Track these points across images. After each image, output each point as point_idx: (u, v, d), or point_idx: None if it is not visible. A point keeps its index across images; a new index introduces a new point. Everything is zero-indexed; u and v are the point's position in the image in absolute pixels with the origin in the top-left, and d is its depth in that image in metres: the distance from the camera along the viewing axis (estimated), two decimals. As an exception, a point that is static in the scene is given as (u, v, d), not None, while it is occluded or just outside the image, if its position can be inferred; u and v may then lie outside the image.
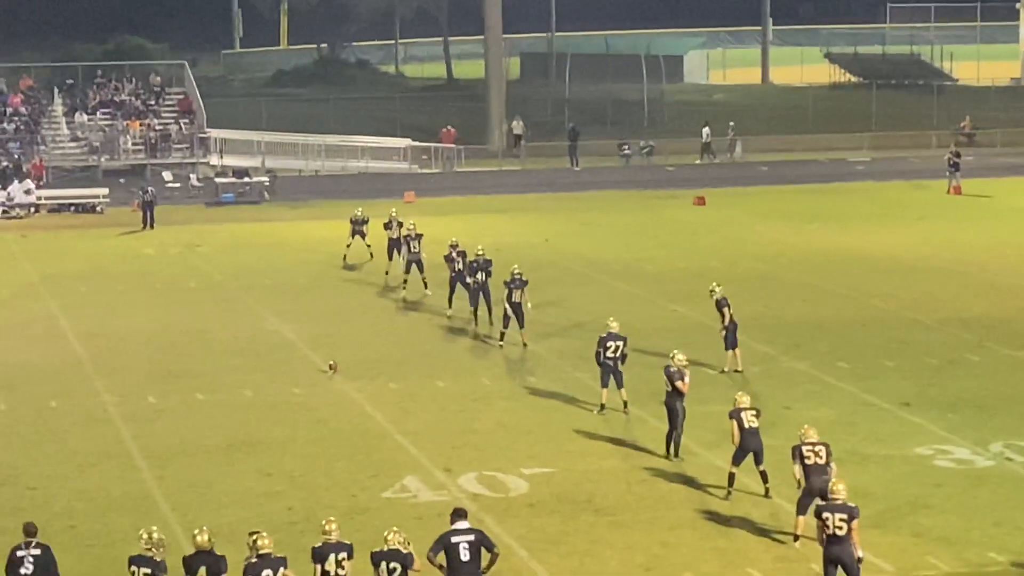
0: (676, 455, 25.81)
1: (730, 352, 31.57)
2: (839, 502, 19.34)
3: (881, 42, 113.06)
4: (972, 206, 56.24)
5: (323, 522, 18.56)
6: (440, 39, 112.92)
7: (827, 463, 21.53)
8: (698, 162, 70.79)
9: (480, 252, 35.93)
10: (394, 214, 42.15)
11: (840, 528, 19.16)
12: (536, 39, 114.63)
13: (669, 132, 77.85)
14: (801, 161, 70.41)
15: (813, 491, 21.48)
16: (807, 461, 21.50)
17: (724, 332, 31.57)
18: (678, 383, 25.64)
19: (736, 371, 31.40)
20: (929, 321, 36.33)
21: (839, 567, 19.18)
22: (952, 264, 43.85)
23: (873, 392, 29.99)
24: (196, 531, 18.27)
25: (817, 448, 21.59)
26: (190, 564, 17.99)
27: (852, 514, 19.23)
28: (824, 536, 19.24)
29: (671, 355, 26.13)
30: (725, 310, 31.49)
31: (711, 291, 32.09)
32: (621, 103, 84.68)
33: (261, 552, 17.81)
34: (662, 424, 26.26)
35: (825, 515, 19.25)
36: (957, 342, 34.24)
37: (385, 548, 18.18)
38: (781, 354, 33.23)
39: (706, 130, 72.03)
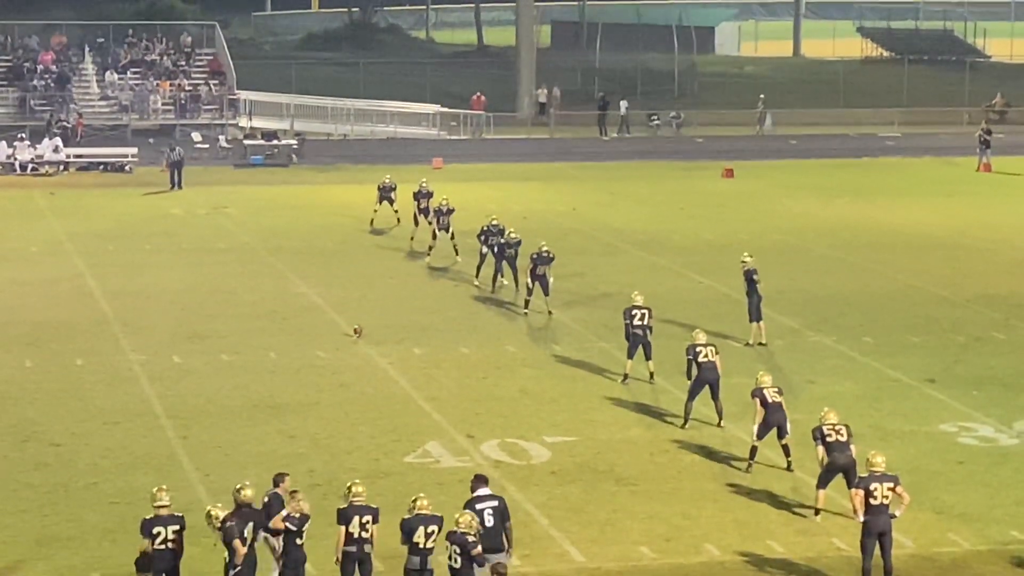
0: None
1: (754, 325, 31.52)
2: (880, 472, 19.43)
3: (914, 17, 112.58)
4: (1002, 184, 56.00)
5: (350, 484, 18.61)
6: (471, 5, 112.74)
7: (848, 442, 21.57)
8: (615, 136, 70.15)
9: (512, 233, 35.93)
10: (424, 183, 42.11)
11: (886, 497, 19.32)
12: (568, 7, 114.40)
13: (699, 104, 77.64)
14: (831, 135, 70.18)
15: (836, 467, 21.54)
16: (828, 439, 21.55)
17: (749, 303, 31.49)
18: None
19: (760, 344, 31.35)
20: (956, 298, 36.22)
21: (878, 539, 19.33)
22: (980, 241, 43.69)
23: (898, 368, 29.93)
24: (240, 486, 18.37)
25: (838, 427, 21.63)
26: (239, 519, 18.07)
27: (896, 481, 19.49)
28: (866, 507, 19.27)
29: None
30: (750, 283, 31.38)
31: (742, 261, 31.98)
32: (651, 73, 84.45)
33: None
34: (683, 396, 26.24)
35: (873, 486, 19.33)
36: (984, 319, 34.14)
37: (418, 514, 18.17)
38: (807, 328, 33.17)
39: (624, 103, 71.60)
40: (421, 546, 18.06)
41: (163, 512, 18.09)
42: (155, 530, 17.97)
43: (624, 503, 22.56)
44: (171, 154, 53.04)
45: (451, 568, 17.82)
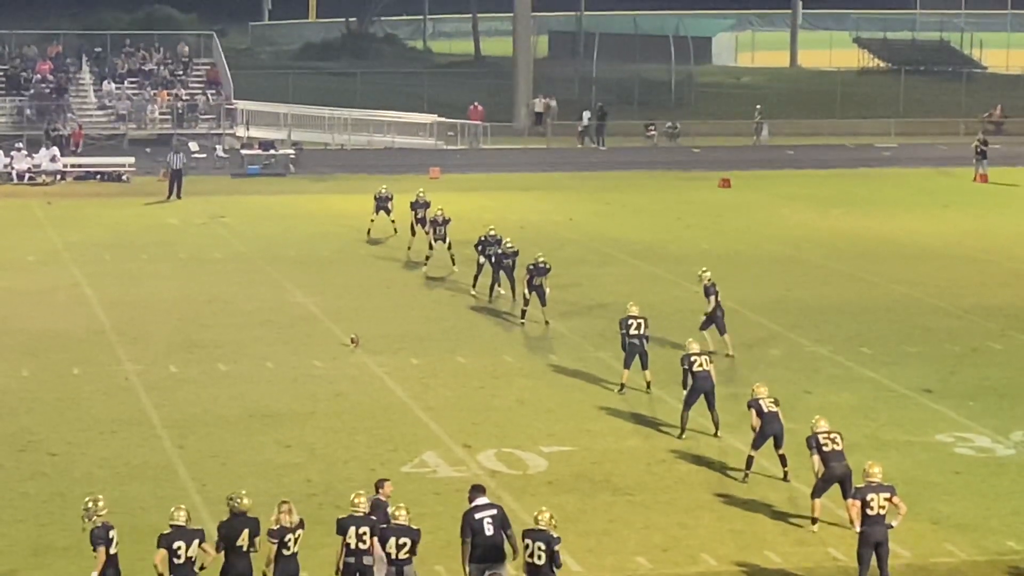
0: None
1: (705, 334, 31.15)
2: (876, 483, 19.46)
3: (911, 28, 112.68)
4: (998, 194, 56.06)
5: (352, 495, 18.61)
6: (468, 15, 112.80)
7: (843, 450, 21.59)
8: (580, 146, 70.08)
9: (509, 243, 35.95)
10: (421, 193, 42.11)
11: (883, 508, 19.34)
12: (565, 17, 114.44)
13: (696, 114, 77.68)
14: (827, 145, 70.21)
15: (833, 477, 21.57)
16: (824, 448, 21.57)
17: (705, 317, 31.25)
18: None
19: (728, 355, 31.12)
20: (952, 308, 36.25)
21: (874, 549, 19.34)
22: (977, 252, 43.73)
23: (895, 378, 29.95)
24: (236, 496, 18.32)
25: (832, 435, 21.66)
26: (233, 526, 18.07)
27: (892, 491, 19.51)
28: (863, 517, 19.29)
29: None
30: (712, 297, 31.19)
31: (699, 276, 31.82)
32: (648, 83, 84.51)
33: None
34: (680, 406, 26.22)
35: (870, 496, 19.35)
36: (980, 330, 34.17)
37: (393, 524, 18.22)
38: (803, 338, 33.18)
39: (586, 114, 71.54)
40: (393, 557, 18.10)
41: (103, 519, 18.03)
42: (111, 534, 17.91)
43: (621, 513, 22.56)
44: (174, 158, 53.01)
45: (531, 565, 17.88)
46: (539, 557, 17.84)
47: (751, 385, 24.45)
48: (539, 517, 18.11)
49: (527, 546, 17.97)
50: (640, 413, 27.51)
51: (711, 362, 25.99)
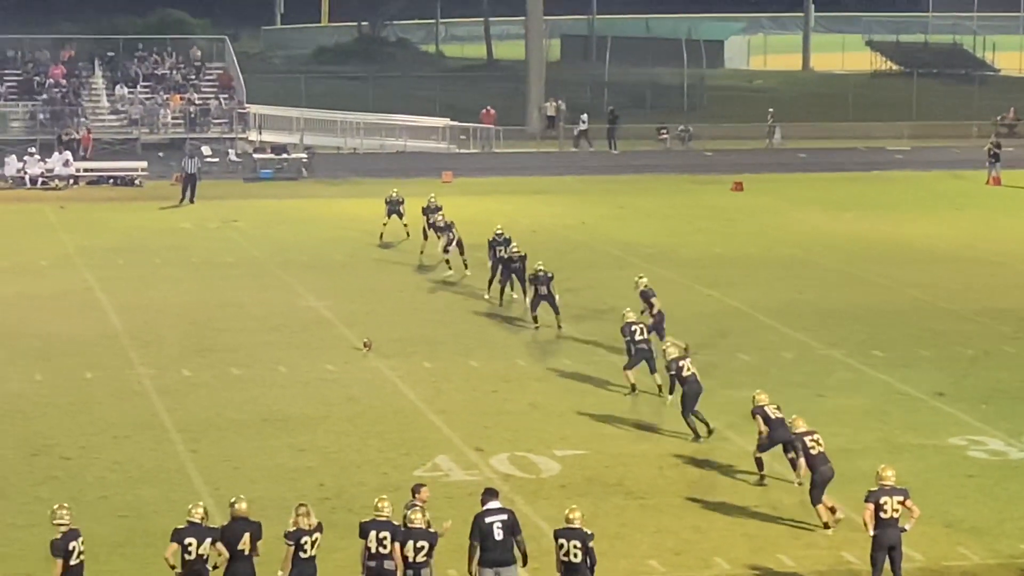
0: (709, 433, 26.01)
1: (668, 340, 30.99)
2: (889, 486, 19.44)
3: (923, 31, 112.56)
4: (1011, 197, 55.92)
5: (376, 500, 18.67)
6: (481, 19, 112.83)
7: (825, 451, 21.69)
8: (574, 149, 70.00)
9: (515, 247, 35.89)
10: (432, 199, 42.10)
11: (896, 511, 19.34)
12: (577, 21, 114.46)
13: (708, 117, 77.65)
14: (840, 149, 70.06)
15: (824, 480, 21.59)
16: (811, 452, 21.64)
17: (652, 322, 31.06)
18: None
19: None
20: (965, 311, 36.19)
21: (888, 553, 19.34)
22: (990, 255, 43.65)
23: (907, 381, 29.91)
24: (234, 499, 18.44)
25: (815, 436, 21.76)
26: (234, 531, 18.15)
27: (906, 495, 19.50)
28: (876, 521, 19.27)
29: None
30: (653, 300, 31.05)
31: (635, 283, 31.68)
32: (661, 87, 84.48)
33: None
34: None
35: (883, 499, 19.35)
36: (993, 333, 34.11)
37: (409, 528, 18.24)
38: (815, 341, 33.14)
39: (584, 117, 71.41)
40: (411, 560, 18.15)
41: (64, 528, 18.00)
42: (71, 546, 17.91)
43: (633, 517, 22.57)
44: (188, 162, 53.03)
45: (567, 564, 18.00)
46: (575, 555, 18.00)
47: (759, 389, 24.42)
48: (571, 516, 18.24)
49: (561, 546, 18.10)
50: (652, 417, 27.49)
51: (693, 364, 26.00)
